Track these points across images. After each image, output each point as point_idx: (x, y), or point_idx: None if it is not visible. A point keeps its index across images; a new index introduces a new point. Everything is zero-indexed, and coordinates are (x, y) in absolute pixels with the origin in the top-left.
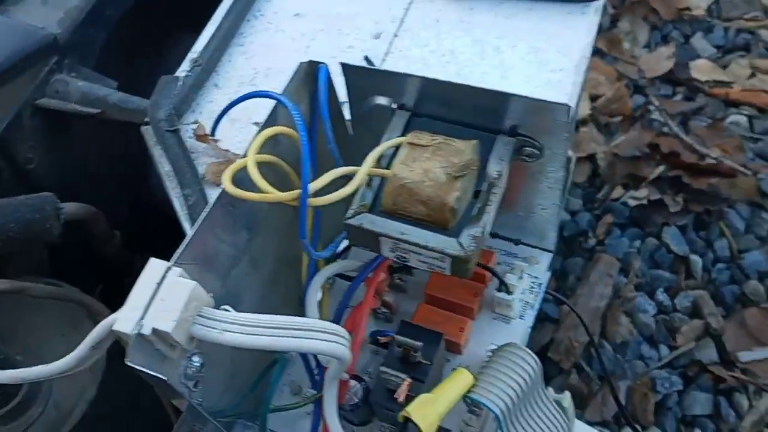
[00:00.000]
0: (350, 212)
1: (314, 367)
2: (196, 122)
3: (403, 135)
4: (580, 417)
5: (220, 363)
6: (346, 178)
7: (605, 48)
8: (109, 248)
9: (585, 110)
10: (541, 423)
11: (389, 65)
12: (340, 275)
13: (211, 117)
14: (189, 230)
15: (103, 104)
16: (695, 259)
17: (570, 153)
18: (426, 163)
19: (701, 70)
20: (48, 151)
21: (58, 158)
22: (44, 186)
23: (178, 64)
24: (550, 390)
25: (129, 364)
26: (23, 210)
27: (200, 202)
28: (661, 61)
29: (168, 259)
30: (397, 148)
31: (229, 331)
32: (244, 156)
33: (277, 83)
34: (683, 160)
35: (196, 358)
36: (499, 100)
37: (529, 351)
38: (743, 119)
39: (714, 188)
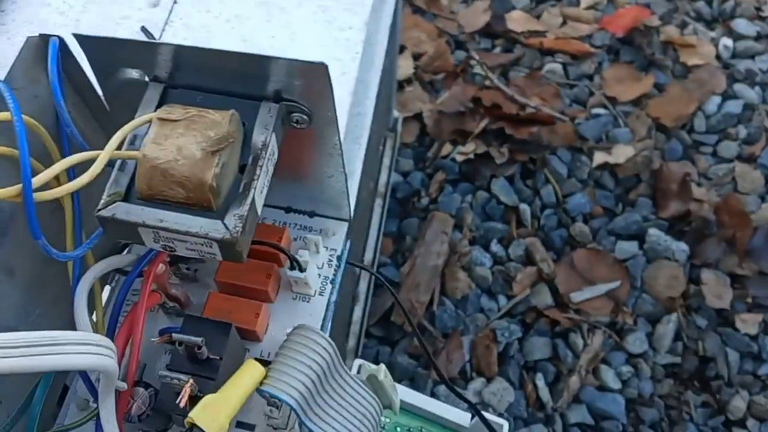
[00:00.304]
0: (102, 202)
1: (95, 379)
2: None
3: (157, 108)
4: (426, 378)
5: None
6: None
7: (424, 5)
8: None
9: (408, 69)
10: (346, 404)
11: (170, 35)
12: (121, 271)
13: None
14: None
15: None
16: (524, 207)
17: (396, 113)
18: (179, 140)
19: (516, 21)
20: None
21: None
22: None
23: None
24: (365, 364)
25: None
26: None
27: None
28: (478, 15)
29: None
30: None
31: None
32: None
33: None
34: (505, 112)
35: None
36: (257, 64)
37: (320, 332)
38: (558, 67)
39: (536, 137)
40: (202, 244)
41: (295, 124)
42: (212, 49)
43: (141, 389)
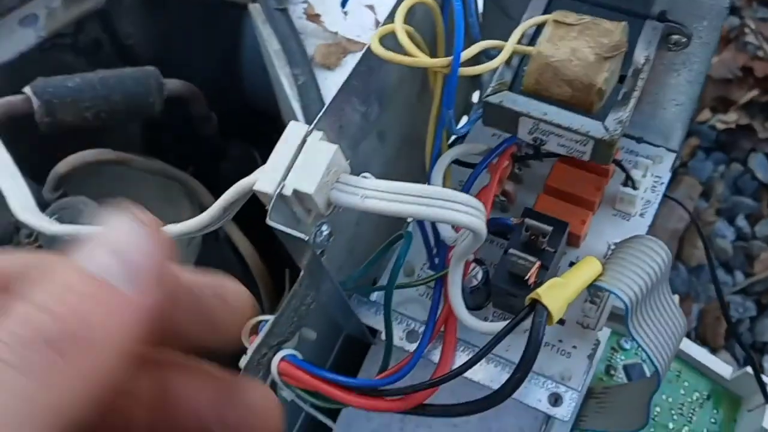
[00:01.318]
0: (490, 89)
1: (433, 245)
2: (305, 1)
3: (545, 14)
4: None
5: (341, 236)
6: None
7: None
8: (206, 130)
9: None
10: (662, 318)
11: None
12: (456, 161)
13: None
14: (299, 111)
15: None
16: None
17: None
18: (573, 42)
19: None
20: (146, 28)
21: (155, 35)
22: (142, 62)
23: None
24: None
25: (269, 223)
26: (128, 82)
27: (310, 82)
28: None
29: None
30: (539, 27)
31: (370, 198)
32: (388, 22)
33: None
34: None
35: (325, 227)
36: None
37: (661, 242)
38: None
39: None
40: (577, 142)
41: (671, 46)
42: None
43: (475, 264)
